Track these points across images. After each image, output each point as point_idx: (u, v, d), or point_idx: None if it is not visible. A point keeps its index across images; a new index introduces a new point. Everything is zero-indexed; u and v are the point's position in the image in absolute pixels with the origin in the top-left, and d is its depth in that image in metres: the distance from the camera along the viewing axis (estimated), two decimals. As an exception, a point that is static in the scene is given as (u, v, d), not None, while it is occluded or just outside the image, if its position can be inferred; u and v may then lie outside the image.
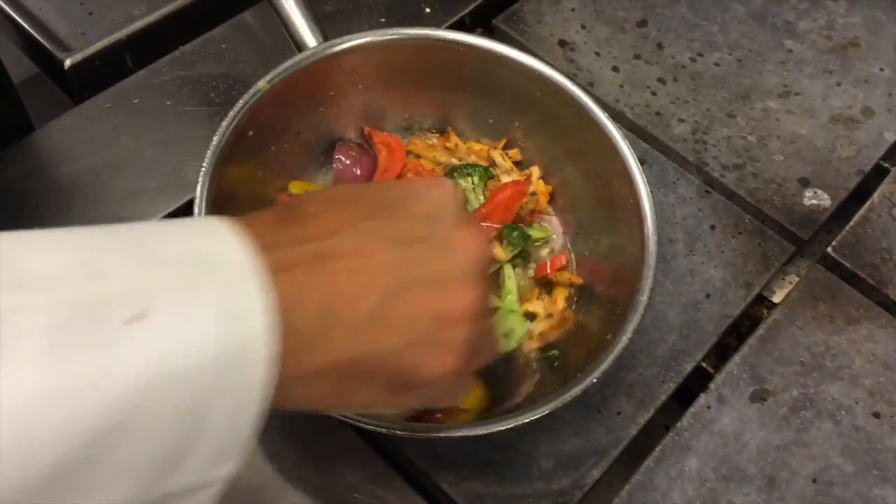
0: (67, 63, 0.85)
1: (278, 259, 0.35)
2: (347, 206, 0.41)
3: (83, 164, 0.78)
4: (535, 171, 0.77)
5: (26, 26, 0.88)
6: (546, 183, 0.78)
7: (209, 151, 0.63)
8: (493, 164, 0.77)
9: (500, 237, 0.72)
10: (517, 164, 0.79)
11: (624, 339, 0.61)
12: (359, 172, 0.76)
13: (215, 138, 0.64)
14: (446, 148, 0.78)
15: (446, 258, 0.41)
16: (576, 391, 0.58)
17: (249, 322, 0.32)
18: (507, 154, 0.78)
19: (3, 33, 0.92)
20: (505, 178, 0.76)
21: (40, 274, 0.28)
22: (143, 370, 0.28)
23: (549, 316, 0.71)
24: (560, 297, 0.71)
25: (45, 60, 0.88)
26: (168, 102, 0.83)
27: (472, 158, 0.78)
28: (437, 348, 0.40)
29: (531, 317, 0.71)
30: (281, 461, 0.65)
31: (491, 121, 0.78)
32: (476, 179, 0.75)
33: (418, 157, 0.78)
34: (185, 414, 0.30)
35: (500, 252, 0.70)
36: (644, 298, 0.62)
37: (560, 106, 0.72)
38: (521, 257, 0.72)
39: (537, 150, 0.78)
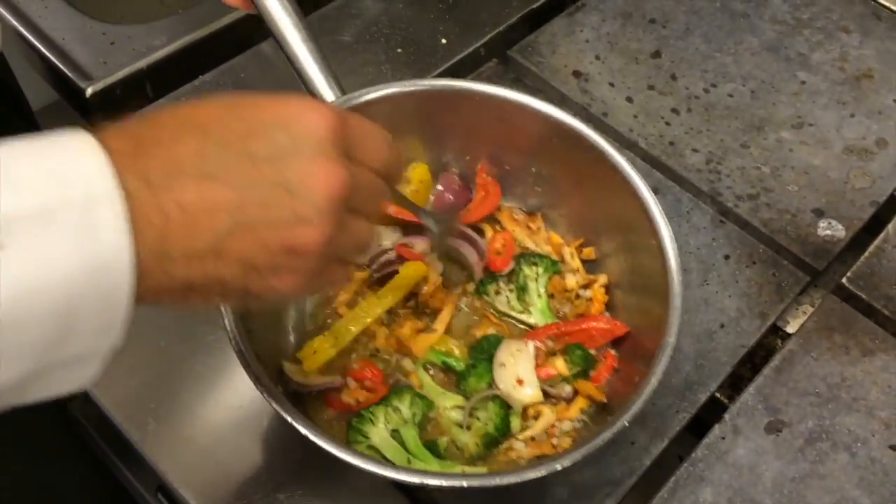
0: (89, 91, 0.87)
1: (131, 188, 0.38)
2: (205, 131, 0.41)
3: (103, 191, 0.79)
4: (602, 278, 0.75)
5: (48, 54, 0.90)
6: (575, 235, 0.78)
7: None
8: (563, 259, 0.77)
9: (564, 352, 0.70)
10: (588, 264, 0.77)
11: (653, 381, 0.60)
12: (452, 198, 0.79)
13: None
14: (528, 227, 0.78)
15: (293, 197, 0.42)
16: (607, 434, 0.58)
17: (106, 240, 0.37)
18: (580, 252, 0.77)
19: (26, 61, 0.94)
20: (570, 277, 0.75)
21: None
22: (9, 286, 0.34)
23: (553, 426, 0.68)
24: (576, 407, 0.68)
25: (67, 88, 0.89)
26: (187, 130, 0.84)
27: (548, 248, 0.77)
28: (281, 274, 0.43)
29: (536, 415, 0.68)
30: (298, 488, 0.65)
31: (507, 167, 0.79)
32: (541, 270, 0.74)
33: (498, 221, 0.78)
34: (54, 315, 0.36)
35: (562, 366, 0.69)
36: (672, 340, 0.62)
37: (575, 148, 0.72)
38: (583, 376, 0.70)
39: (555, 194, 0.78)
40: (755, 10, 1.01)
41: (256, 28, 0.92)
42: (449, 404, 0.68)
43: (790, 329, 0.78)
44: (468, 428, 0.67)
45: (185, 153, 0.40)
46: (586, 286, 0.75)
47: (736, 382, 0.75)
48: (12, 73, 0.80)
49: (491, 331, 0.73)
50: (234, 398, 0.69)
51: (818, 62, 0.96)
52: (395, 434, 0.65)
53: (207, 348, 0.71)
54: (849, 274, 0.80)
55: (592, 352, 0.71)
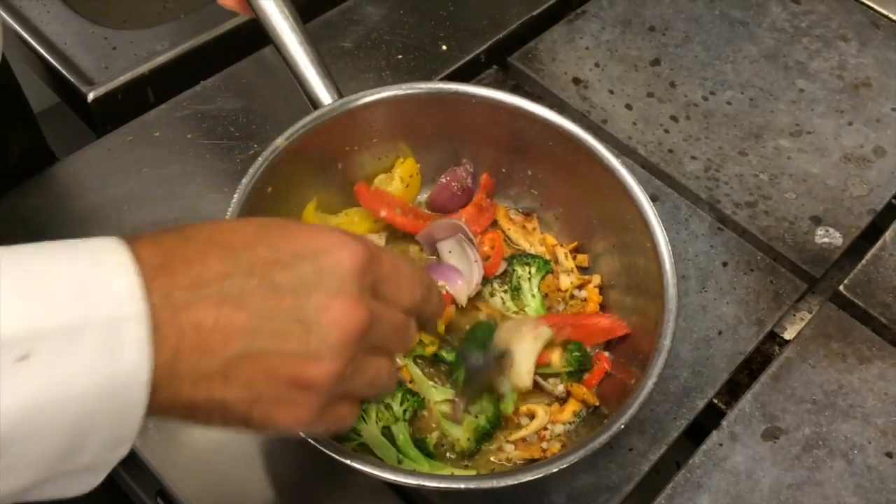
0: (91, 96, 0.87)
1: (154, 302, 0.38)
2: (234, 253, 0.42)
3: (104, 196, 0.79)
4: (596, 278, 0.76)
5: (50, 59, 0.90)
6: (569, 237, 0.78)
7: (230, 209, 0.64)
8: (556, 260, 0.77)
9: (563, 347, 0.70)
10: (582, 269, 0.78)
11: (649, 385, 0.61)
12: (457, 192, 0.79)
13: (236, 196, 0.64)
14: (524, 227, 0.79)
15: (308, 332, 0.42)
16: (604, 437, 0.58)
17: (127, 359, 0.37)
18: (573, 255, 0.77)
19: (28, 64, 0.94)
20: (564, 277, 0.76)
21: None
22: (25, 401, 0.35)
23: (545, 428, 0.68)
24: (569, 410, 0.69)
25: (69, 93, 0.90)
26: (188, 136, 0.84)
27: (542, 249, 0.78)
28: (286, 406, 0.43)
29: (530, 416, 0.69)
30: (297, 493, 0.65)
31: (504, 169, 0.79)
32: (534, 270, 0.75)
33: (495, 222, 0.79)
34: (69, 428, 0.37)
35: (557, 359, 0.69)
36: (667, 343, 0.63)
37: (571, 153, 0.73)
38: (576, 376, 0.70)
39: (549, 196, 0.79)
40: (754, 19, 1.01)
41: (258, 33, 0.92)
42: (440, 398, 0.68)
43: (787, 336, 0.79)
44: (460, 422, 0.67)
45: (210, 273, 0.41)
46: (581, 286, 0.76)
47: (733, 389, 0.75)
48: (14, 77, 0.81)
49: (482, 317, 0.73)
50: (233, 403, 0.69)
51: (816, 70, 0.97)
52: (386, 431, 0.65)
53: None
54: (846, 282, 0.80)
55: (590, 351, 0.71)
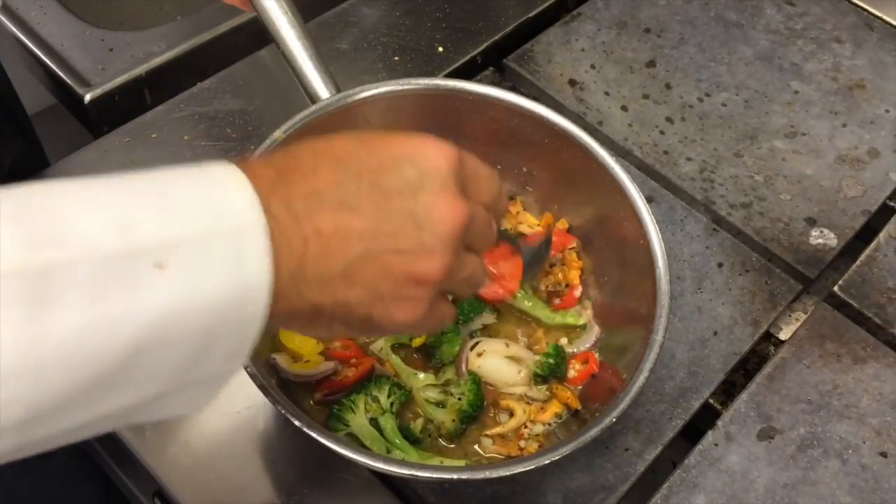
0: (87, 98, 0.87)
1: (275, 213, 0.41)
2: (341, 164, 0.44)
3: (101, 197, 0.79)
4: (574, 242, 0.77)
5: (47, 60, 0.91)
6: (550, 210, 0.79)
7: None
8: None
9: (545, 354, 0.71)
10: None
11: (641, 379, 0.61)
12: None
13: None
14: (508, 212, 0.79)
15: (420, 229, 0.44)
16: (594, 432, 0.58)
17: (251, 268, 0.39)
18: (553, 226, 0.79)
19: (25, 67, 0.94)
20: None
21: (83, 232, 0.36)
22: (163, 307, 0.36)
23: (525, 426, 0.68)
24: (551, 411, 0.69)
25: (66, 95, 0.90)
26: (185, 137, 0.84)
27: (524, 227, 0.78)
28: (402, 303, 0.45)
29: (510, 412, 0.69)
30: (294, 492, 0.65)
31: (499, 166, 0.79)
32: None
33: None
34: (200, 335, 0.38)
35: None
36: (659, 338, 0.63)
37: (566, 150, 0.73)
38: (557, 372, 0.70)
39: (545, 194, 0.79)
40: (749, 21, 1.02)
41: (255, 35, 0.93)
42: (422, 384, 0.69)
43: (783, 336, 0.79)
44: (443, 405, 0.68)
45: (323, 183, 0.43)
46: (560, 250, 0.77)
47: (729, 389, 0.75)
48: (9, 83, 0.81)
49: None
50: (230, 404, 0.69)
51: (811, 72, 0.97)
52: (374, 422, 0.66)
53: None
54: (840, 282, 0.81)
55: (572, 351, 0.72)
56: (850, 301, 0.80)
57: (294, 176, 0.43)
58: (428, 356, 0.71)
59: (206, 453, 0.67)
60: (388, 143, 0.47)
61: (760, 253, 0.82)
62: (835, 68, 0.98)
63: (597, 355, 0.72)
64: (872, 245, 0.84)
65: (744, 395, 0.73)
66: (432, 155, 0.46)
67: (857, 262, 0.82)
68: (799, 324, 0.79)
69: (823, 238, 0.84)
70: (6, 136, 0.81)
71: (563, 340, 0.73)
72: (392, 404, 0.67)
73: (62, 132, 1.00)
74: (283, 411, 0.56)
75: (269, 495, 0.65)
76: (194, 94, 0.88)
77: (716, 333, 0.77)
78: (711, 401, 0.74)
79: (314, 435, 0.56)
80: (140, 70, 0.90)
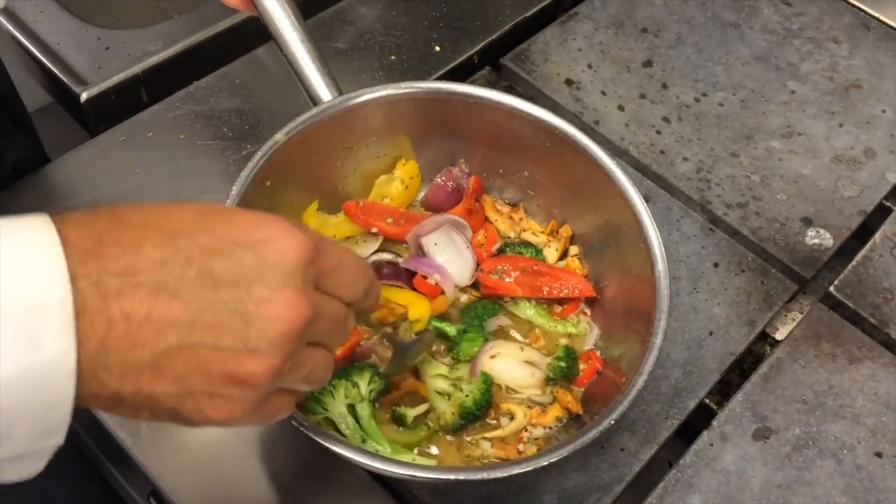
0: (84, 97, 0.87)
1: (81, 288, 0.37)
2: (172, 240, 0.40)
3: (96, 196, 0.79)
4: (575, 249, 0.78)
5: (43, 59, 0.90)
6: (552, 217, 0.79)
7: (228, 201, 0.64)
8: (547, 245, 0.78)
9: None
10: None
11: (640, 381, 0.61)
12: (452, 192, 0.79)
13: (235, 188, 0.65)
14: (511, 218, 0.79)
15: (247, 326, 0.40)
16: (593, 434, 0.58)
17: (49, 347, 0.36)
18: (556, 232, 0.79)
19: (21, 65, 0.94)
20: (547, 251, 0.77)
21: None
22: None
23: (525, 430, 0.68)
24: (552, 415, 0.69)
25: (62, 93, 0.90)
26: (181, 136, 0.84)
27: (528, 235, 0.79)
28: (217, 401, 0.41)
29: (510, 416, 0.69)
30: (289, 492, 0.65)
31: (501, 170, 0.80)
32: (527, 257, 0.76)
33: (486, 218, 0.79)
34: None
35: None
36: (658, 341, 0.63)
37: (568, 154, 0.73)
38: (565, 375, 0.71)
39: (545, 196, 0.79)
40: (746, 21, 1.02)
41: (252, 33, 0.93)
42: (435, 372, 0.69)
43: (778, 336, 0.79)
44: (448, 397, 0.68)
45: (145, 262, 0.39)
46: (562, 257, 0.78)
47: (724, 389, 0.75)
48: (11, 83, 0.81)
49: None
50: (226, 403, 0.69)
51: (808, 72, 0.97)
52: (351, 409, 0.66)
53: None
54: (836, 282, 0.81)
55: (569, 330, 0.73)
56: (846, 301, 0.80)
57: (114, 247, 0.38)
58: (448, 349, 0.71)
59: (202, 454, 0.67)
60: (234, 223, 0.42)
61: (756, 253, 0.82)
62: (831, 68, 0.98)
63: (599, 354, 0.72)
64: (868, 245, 0.84)
65: (739, 395, 0.73)
66: (280, 245, 0.41)
67: (853, 263, 0.82)
68: (794, 324, 0.79)
69: (819, 238, 0.84)
70: (8, 134, 0.81)
71: (563, 341, 0.73)
72: (371, 392, 0.66)
73: (59, 131, 1.00)
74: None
75: (264, 495, 0.65)
76: (191, 92, 0.88)
77: (711, 333, 0.77)
78: (707, 400, 0.74)
79: (313, 436, 0.56)
80: (136, 69, 0.90)
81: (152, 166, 0.82)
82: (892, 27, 1.02)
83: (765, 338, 0.79)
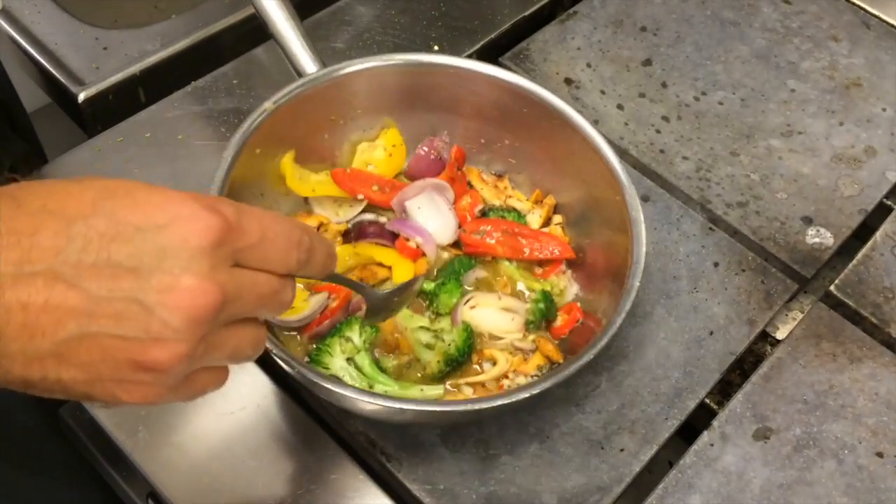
0: (81, 97, 0.87)
1: None
2: (69, 225, 0.39)
3: (95, 197, 0.79)
4: (558, 217, 0.80)
5: (41, 59, 0.90)
6: (537, 188, 0.81)
7: (219, 169, 0.66)
8: (531, 211, 0.80)
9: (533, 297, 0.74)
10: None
11: (618, 320, 0.63)
12: (435, 161, 0.81)
13: (225, 153, 0.67)
14: (496, 187, 0.81)
15: (149, 314, 0.39)
16: (577, 366, 0.61)
17: None
18: (541, 204, 0.80)
19: (19, 66, 0.94)
20: (530, 217, 0.79)
21: None
22: None
23: (506, 376, 0.70)
24: (533, 362, 0.71)
25: (60, 94, 0.89)
26: (179, 136, 0.84)
27: (513, 201, 0.81)
28: (128, 386, 0.40)
29: (492, 361, 0.71)
30: (287, 494, 0.65)
31: (483, 140, 0.82)
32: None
33: (470, 185, 0.81)
34: None
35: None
36: (636, 283, 0.65)
37: (548, 122, 0.75)
38: (544, 317, 0.73)
39: (529, 167, 0.81)
40: (745, 19, 1.01)
41: (250, 33, 0.92)
42: (416, 324, 0.71)
43: (779, 335, 0.79)
44: (430, 347, 0.70)
45: (40, 249, 0.38)
46: (546, 224, 0.79)
47: (725, 388, 0.75)
48: (11, 86, 0.80)
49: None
50: (224, 405, 0.69)
51: (808, 70, 0.97)
52: (351, 361, 0.68)
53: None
54: (837, 282, 0.80)
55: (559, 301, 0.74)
56: (847, 300, 0.79)
57: (9, 236, 0.37)
58: (427, 304, 0.73)
59: (200, 455, 0.66)
60: (137, 205, 0.40)
61: (756, 252, 0.82)
62: (831, 67, 0.98)
63: (580, 306, 0.74)
64: (869, 244, 0.83)
65: (739, 395, 0.73)
66: (184, 228, 0.40)
67: (854, 262, 0.82)
68: (795, 323, 0.79)
69: (820, 237, 0.83)
70: (7, 136, 0.81)
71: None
72: (365, 341, 0.69)
73: (57, 131, 1.00)
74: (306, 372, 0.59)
75: (262, 497, 0.65)
76: (189, 92, 0.88)
77: (712, 333, 0.76)
78: (707, 400, 0.73)
79: (330, 386, 0.59)
80: (134, 69, 0.90)
81: (150, 167, 0.81)
82: (892, 25, 1.02)
83: (765, 337, 0.79)
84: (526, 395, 0.59)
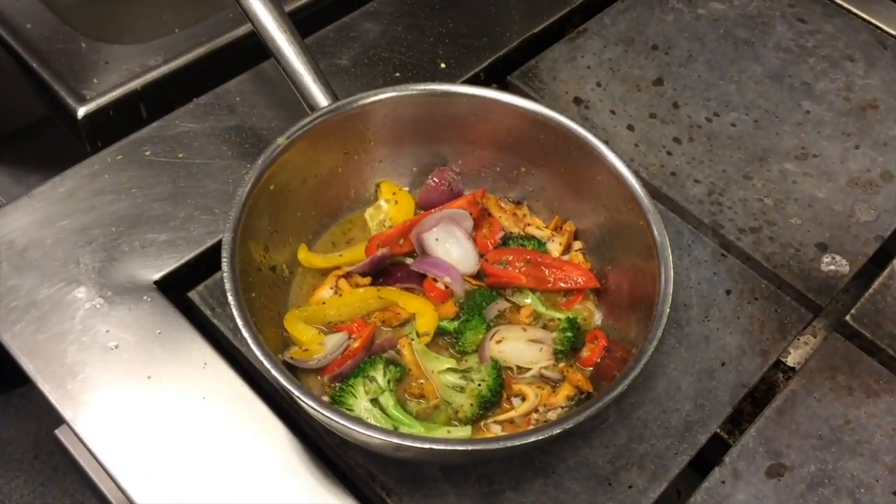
0: (81, 113, 0.85)
1: None
2: None
3: (93, 217, 0.77)
4: (578, 244, 0.78)
5: (42, 73, 0.89)
6: (557, 214, 0.79)
7: (233, 208, 0.65)
8: (551, 239, 0.78)
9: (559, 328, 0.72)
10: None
11: (650, 349, 0.61)
12: (445, 191, 0.79)
13: (240, 190, 0.66)
14: (514, 214, 0.79)
15: None
16: (614, 395, 0.59)
17: None
18: (559, 228, 0.79)
19: (18, 77, 0.92)
20: (551, 245, 0.77)
21: None
22: None
23: (536, 410, 0.68)
24: (563, 394, 0.68)
25: (59, 109, 0.88)
26: (180, 154, 0.82)
27: (532, 229, 0.79)
28: None
29: (521, 397, 0.68)
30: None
31: (499, 168, 0.80)
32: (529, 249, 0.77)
33: (489, 213, 0.79)
34: None
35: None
36: (666, 309, 0.63)
37: (564, 147, 0.74)
38: (571, 345, 0.70)
39: (546, 193, 0.79)
40: (759, 38, 0.99)
41: (254, 48, 0.90)
42: (442, 367, 0.69)
43: (790, 361, 0.77)
44: (462, 390, 0.68)
45: None
46: (566, 251, 0.77)
47: (736, 417, 0.73)
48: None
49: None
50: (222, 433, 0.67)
51: (823, 91, 0.95)
52: (375, 402, 0.66)
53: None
54: (853, 311, 0.78)
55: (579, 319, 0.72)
56: (863, 331, 0.77)
57: None
58: (452, 343, 0.71)
59: (187, 471, 0.65)
60: None
61: (770, 280, 0.80)
62: (847, 87, 0.95)
63: (605, 333, 0.71)
64: (886, 272, 0.81)
65: (752, 430, 0.71)
66: None
67: (870, 291, 0.80)
68: (810, 355, 0.77)
69: (835, 265, 0.81)
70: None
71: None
72: (389, 382, 0.67)
73: (56, 144, 0.98)
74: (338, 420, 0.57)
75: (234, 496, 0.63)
76: (190, 110, 0.86)
77: (723, 364, 0.74)
78: (719, 430, 0.71)
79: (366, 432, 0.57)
80: (136, 84, 0.88)
81: (150, 186, 0.80)
82: (909, 45, 1.00)
83: (778, 365, 0.77)
84: (570, 424, 0.57)
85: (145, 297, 0.73)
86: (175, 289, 0.74)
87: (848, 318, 0.78)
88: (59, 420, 0.69)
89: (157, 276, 0.74)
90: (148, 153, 0.82)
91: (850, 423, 0.71)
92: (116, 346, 0.70)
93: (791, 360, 0.77)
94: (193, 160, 0.82)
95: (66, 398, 0.67)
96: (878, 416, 0.72)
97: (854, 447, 0.70)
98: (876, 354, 0.76)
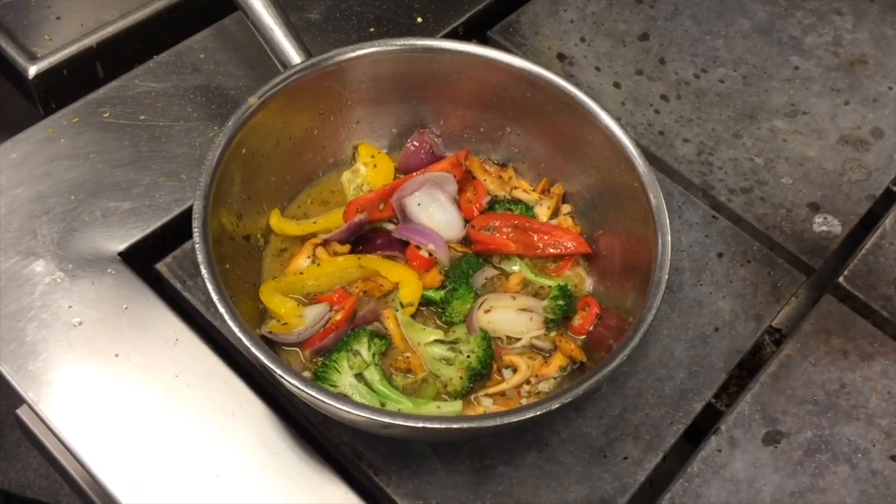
0: (32, 72, 0.79)
1: None
2: None
3: (49, 184, 0.72)
4: (566, 207, 0.75)
5: (-12, 30, 0.82)
6: (544, 176, 0.76)
7: (203, 173, 0.60)
8: (538, 203, 0.75)
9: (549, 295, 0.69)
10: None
11: (649, 317, 0.59)
12: (425, 154, 0.75)
13: (209, 154, 0.61)
14: (500, 177, 0.76)
15: None
16: (613, 365, 0.56)
17: None
18: (547, 190, 0.76)
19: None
20: (538, 209, 0.74)
21: None
22: None
23: (528, 382, 0.65)
24: (555, 364, 0.66)
25: (8, 68, 0.82)
26: (141, 117, 0.77)
27: (519, 192, 0.75)
28: None
29: (512, 368, 0.66)
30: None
31: (482, 128, 0.76)
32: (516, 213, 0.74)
33: (474, 176, 0.75)
34: None
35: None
36: (664, 275, 0.61)
37: (550, 103, 0.70)
38: (560, 327, 0.68)
39: (533, 155, 0.76)
40: (746, -10, 0.96)
41: (220, 1, 0.85)
42: (428, 339, 0.66)
43: (786, 331, 0.75)
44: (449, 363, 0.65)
45: None
46: (554, 215, 0.75)
47: (725, 384, 0.71)
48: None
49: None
50: (210, 412, 0.63)
51: (811, 46, 0.92)
52: (360, 377, 0.63)
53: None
54: (846, 273, 0.76)
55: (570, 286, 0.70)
56: (856, 292, 0.75)
57: None
58: (438, 313, 0.68)
59: (163, 454, 0.61)
60: None
61: (762, 241, 0.78)
62: (835, 42, 0.93)
63: (597, 301, 0.69)
64: (878, 232, 0.79)
65: (748, 397, 0.69)
66: None
67: (863, 251, 0.78)
68: (803, 318, 0.75)
69: (827, 225, 0.79)
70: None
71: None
72: (374, 355, 0.64)
73: (7, 107, 0.92)
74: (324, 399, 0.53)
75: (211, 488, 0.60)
76: (150, 68, 0.81)
77: (717, 329, 0.72)
78: (713, 400, 0.69)
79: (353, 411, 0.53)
80: (90, 41, 0.82)
81: (109, 151, 0.74)
82: (897, -2, 0.97)
83: (772, 331, 0.75)
84: (569, 398, 0.55)
85: (109, 270, 0.68)
86: (141, 261, 0.70)
87: (841, 279, 0.76)
88: (20, 399, 0.64)
89: (122, 247, 0.69)
90: (106, 115, 0.77)
91: (845, 387, 0.70)
92: (80, 323, 0.65)
93: (777, 321, 0.75)
94: (156, 122, 0.77)
95: (27, 379, 0.63)
96: (873, 379, 0.71)
97: (850, 412, 0.69)
98: (869, 316, 0.75)
